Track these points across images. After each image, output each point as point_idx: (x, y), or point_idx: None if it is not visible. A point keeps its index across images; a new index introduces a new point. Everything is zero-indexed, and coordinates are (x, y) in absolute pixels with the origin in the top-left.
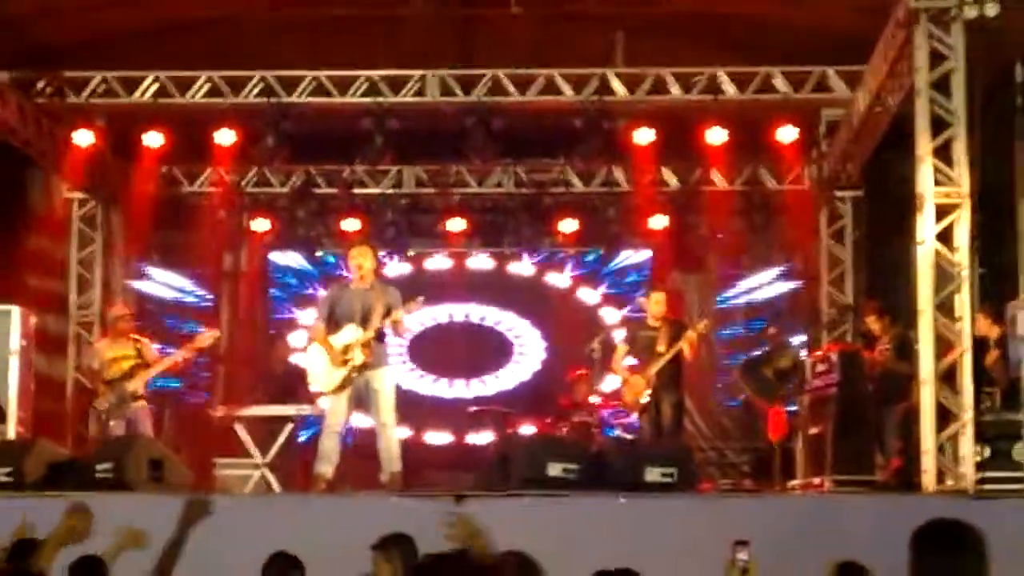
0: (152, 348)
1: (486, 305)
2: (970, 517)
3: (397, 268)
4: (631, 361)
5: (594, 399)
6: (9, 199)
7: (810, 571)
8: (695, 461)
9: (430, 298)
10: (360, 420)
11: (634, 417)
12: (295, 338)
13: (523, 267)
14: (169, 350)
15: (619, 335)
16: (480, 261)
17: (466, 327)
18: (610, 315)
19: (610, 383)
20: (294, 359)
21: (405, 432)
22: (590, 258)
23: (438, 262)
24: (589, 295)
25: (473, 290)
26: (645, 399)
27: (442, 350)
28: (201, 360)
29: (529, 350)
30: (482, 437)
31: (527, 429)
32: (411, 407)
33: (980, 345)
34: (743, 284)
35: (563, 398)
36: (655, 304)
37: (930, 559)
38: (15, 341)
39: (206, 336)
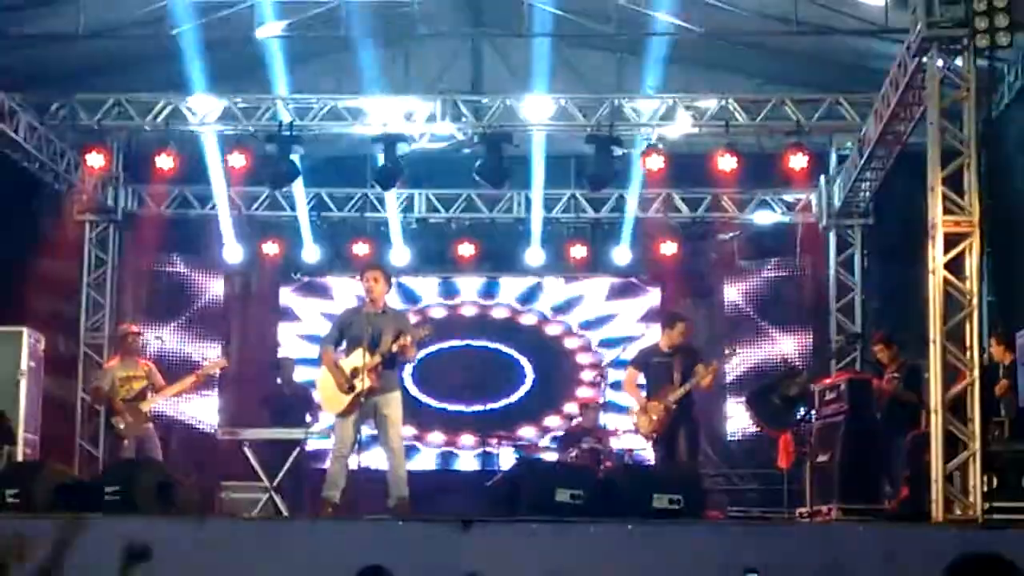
0: (157, 373)
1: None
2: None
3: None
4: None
5: (602, 425)
6: (21, 221)
7: None
8: (703, 488)
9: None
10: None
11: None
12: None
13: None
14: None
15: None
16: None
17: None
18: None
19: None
20: (302, 382)
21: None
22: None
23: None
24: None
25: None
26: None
27: (447, 375)
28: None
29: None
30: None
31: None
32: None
33: (990, 373)
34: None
35: (572, 425)
36: (678, 334)
37: None
38: (24, 362)
39: (213, 364)
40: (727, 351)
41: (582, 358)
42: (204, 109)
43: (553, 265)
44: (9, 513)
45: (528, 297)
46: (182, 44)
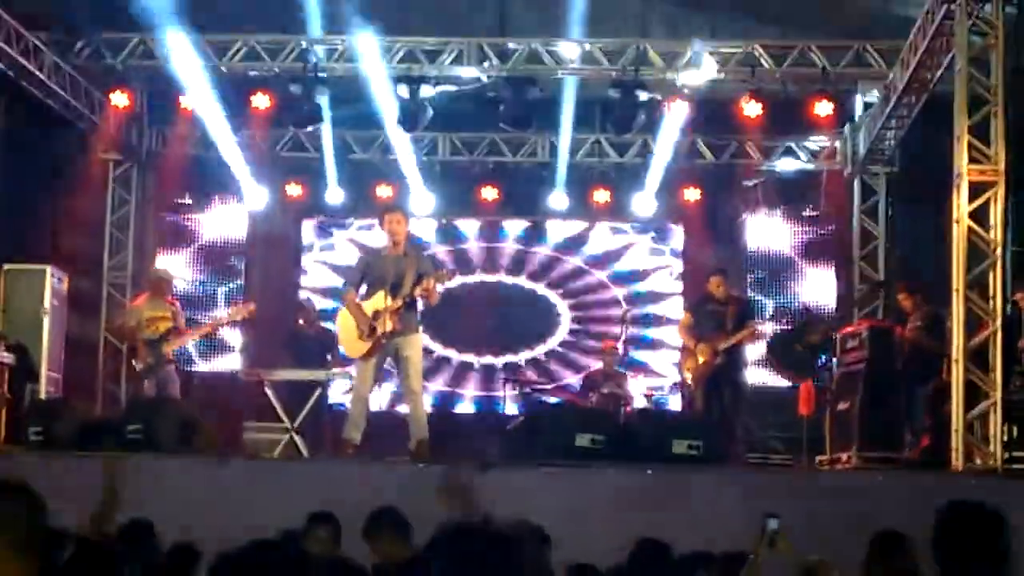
0: (181, 315)
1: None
2: (1000, 497)
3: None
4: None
5: (621, 370)
6: (45, 160)
7: (838, 544)
8: (722, 435)
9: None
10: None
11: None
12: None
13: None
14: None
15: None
16: (511, 229)
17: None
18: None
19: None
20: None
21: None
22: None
23: (470, 230)
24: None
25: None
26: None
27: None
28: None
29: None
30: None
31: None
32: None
33: (1013, 324)
34: None
35: (592, 370)
36: (715, 286)
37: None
38: (47, 301)
39: (241, 309)
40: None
41: (607, 301)
42: (229, 50)
43: (575, 210)
44: (32, 449)
45: (571, 244)
46: None
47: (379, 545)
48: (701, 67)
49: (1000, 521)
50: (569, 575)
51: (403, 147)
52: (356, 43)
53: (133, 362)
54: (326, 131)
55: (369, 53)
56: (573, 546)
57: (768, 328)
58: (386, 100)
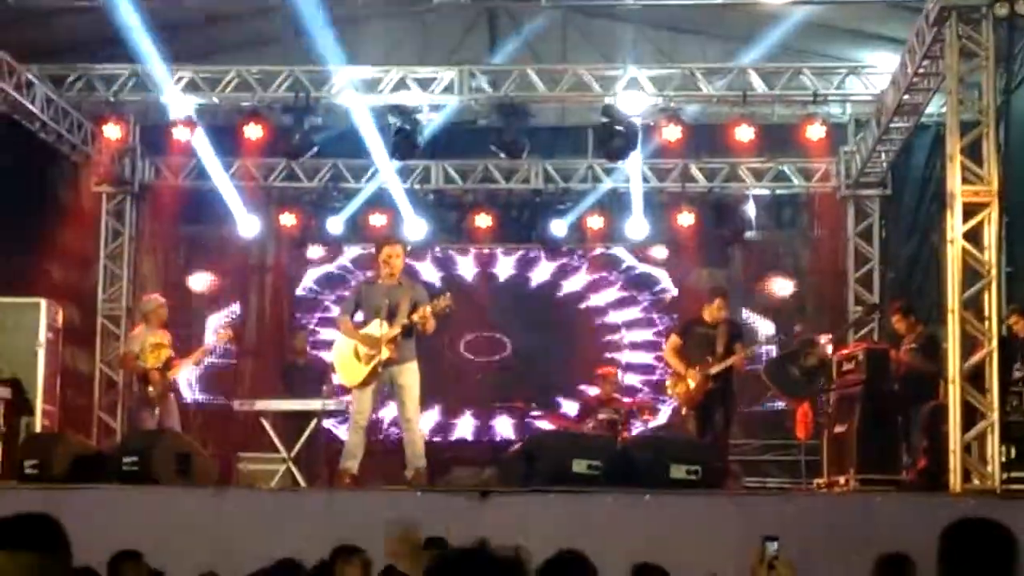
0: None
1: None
2: (999, 517)
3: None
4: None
5: (618, 396)
6: (38, 193)
7: (837, 567)
8: (720, 459)
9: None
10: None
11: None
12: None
13: (541, 272)
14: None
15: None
16: (503, 265)
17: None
18: (620, 316)
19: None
20: (319, 353)
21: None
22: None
23: (464, 264)
24: (601, 298)
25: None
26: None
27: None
28: (227, 355)
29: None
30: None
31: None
32: None
33: (1009, 345)
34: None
35: (589, 396)
36: (717, 308)
37: (959, 557)
38: (42, 334)
39: (221, 336)
40: (760, 340)
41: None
42: (221, 80)
43: (569, 236)
44: (29, 484)
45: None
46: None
47: None
48: (692, 91)
49: (1009, 538)
50: None
51: (395, 176)
52: (348, 73)
53: (149, 389)
54: (317, 161)
55: (361, 83)
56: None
57: (763, 351)
58: (378, 130)
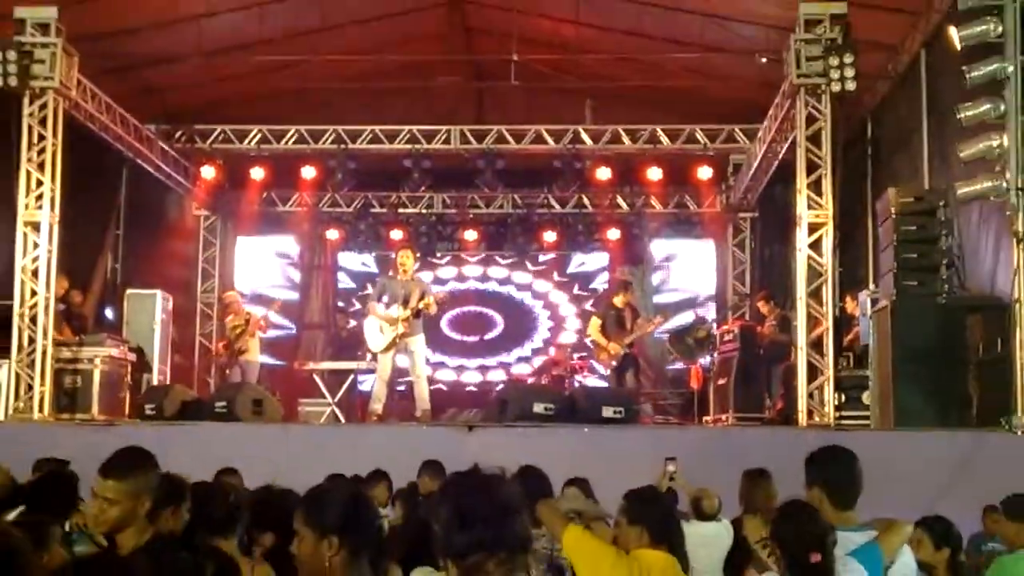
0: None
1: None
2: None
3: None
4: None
5: (565, 359)
6: (156, 215)
7: (718, 478)
8: (638, 402)
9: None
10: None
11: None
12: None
13: (522, 275)
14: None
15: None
16: (492, 271)
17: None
18: (570, 308)
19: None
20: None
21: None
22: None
23: (454, 271)
24: (560, 296)
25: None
26: (614, 362)
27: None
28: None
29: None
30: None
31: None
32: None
33: (844, 321)
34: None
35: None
36: (629, 295)
37: (820, 459)
38: (158, 316)
39: (275, 309)
40: (659, 317)
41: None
42: (284, 136)
43: (532, 246)
44: (148, 421)
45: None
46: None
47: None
48: (618, 144)
49: (851, 452)
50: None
51: (409, 203)
52: (375, 129)
53: (240, 358)
54: (353, 193)
55: (384, 135)
56: None
57: (659, 321)
58: (396, 168)
